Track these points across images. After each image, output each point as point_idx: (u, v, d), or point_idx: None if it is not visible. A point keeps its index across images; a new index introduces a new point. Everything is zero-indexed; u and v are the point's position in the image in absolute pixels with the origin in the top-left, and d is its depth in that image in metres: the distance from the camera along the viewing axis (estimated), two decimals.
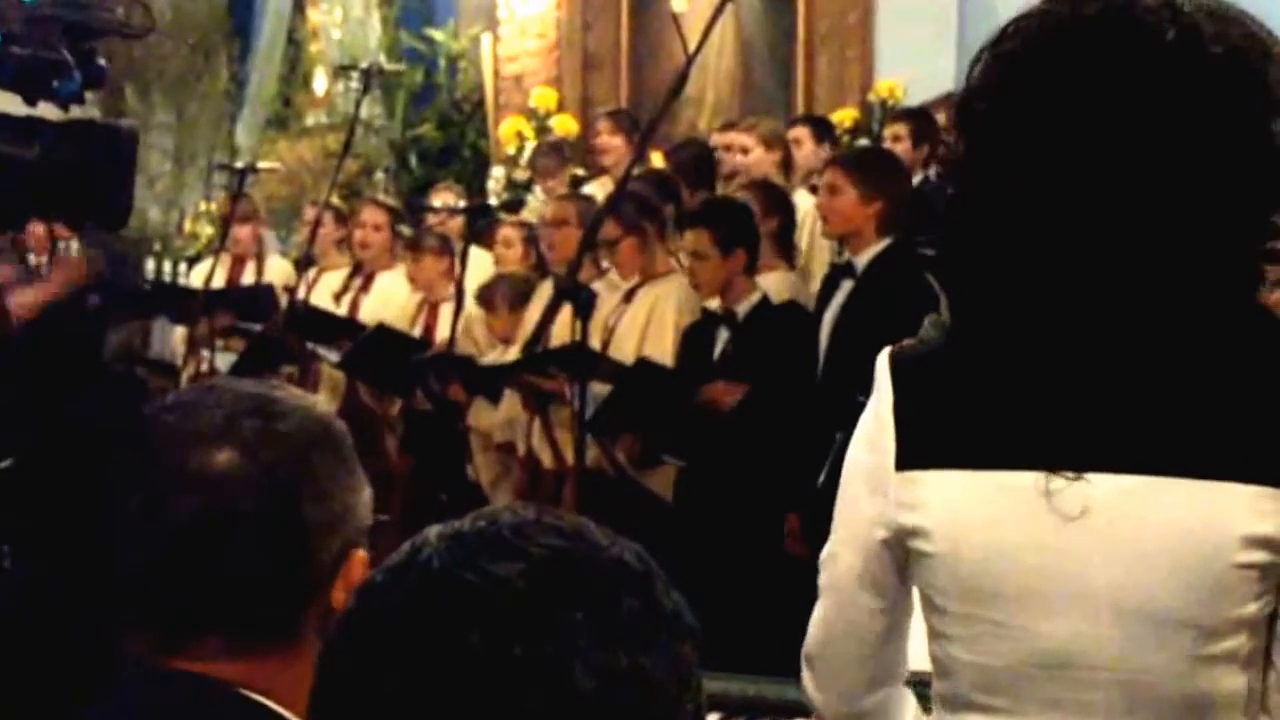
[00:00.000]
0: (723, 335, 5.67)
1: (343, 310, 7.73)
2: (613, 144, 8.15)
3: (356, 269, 7.95)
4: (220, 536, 1.54)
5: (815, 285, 6.11)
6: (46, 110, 2.23)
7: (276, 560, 1.55)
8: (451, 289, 7.01)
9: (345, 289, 7.88)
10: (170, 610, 1.54)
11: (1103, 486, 1.68)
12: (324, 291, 7.87)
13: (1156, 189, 1.66)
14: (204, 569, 1.54)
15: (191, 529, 1.53)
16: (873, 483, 1.80)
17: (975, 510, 1.73)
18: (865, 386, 1.84)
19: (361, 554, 1.59)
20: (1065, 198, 1.68)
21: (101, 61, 2.19)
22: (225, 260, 8.19)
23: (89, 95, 2.26)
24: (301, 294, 7.66)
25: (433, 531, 1.13)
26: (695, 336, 5.79)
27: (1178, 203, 1.67)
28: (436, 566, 1.09)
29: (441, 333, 6.94)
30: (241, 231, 8.15)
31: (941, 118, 7.36)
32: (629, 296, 6.20)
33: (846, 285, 5.49)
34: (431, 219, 8.12)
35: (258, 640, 1.54)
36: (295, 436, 1.58)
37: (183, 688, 1.52)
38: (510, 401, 6.54)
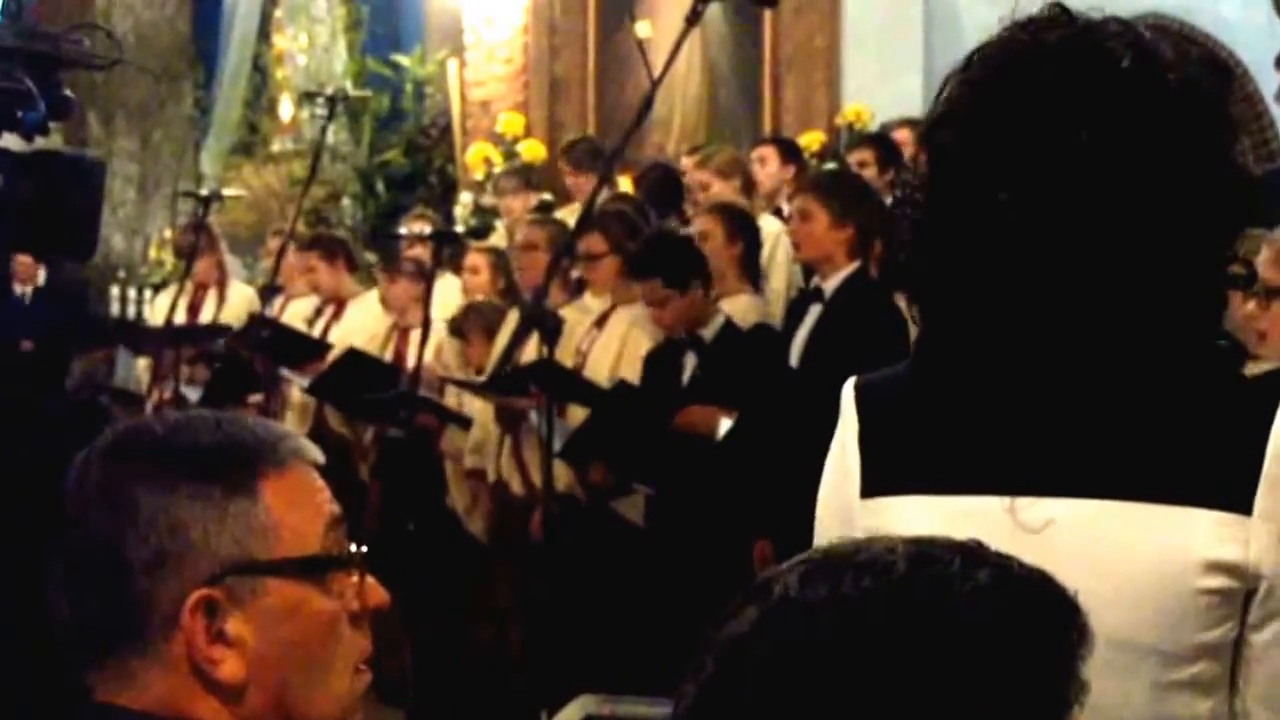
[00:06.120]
0: (690, 360, 5.65)
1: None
2: (578, 183, 8.14)
3: (327, 297, 7.92)
4: (65, 575, 1.52)
5: (774, 308, 6.10)
6: (10, 141, 2.21)
7: (100, 598, 1.49)
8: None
9: (317, 316, 7.85)
10: (67, 646, 1.53)
11: (1065, 511, 1.68)
12: (293, 320, 7.84)
13: (1116, 216, 1.67)
14: (67, 609, 1.52)
15: (53, 571, 1.53)
16: (840, 512, 1.80)
17: (940, 535, 1.73)
18: (836, 409, 1.84)
19: (206, 594, 1.47)
20: (1027, 225, 1.68)
21: (67, 92, 2.18)
22: (188, 289, 8.15)
23: (53, 123, 2.25)
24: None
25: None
26: (659, 362, 5.74)
27: (1137, 229, 1.67)
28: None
29: (413, 359, 6.92)
30: (202, 261, 8.10)
31: (902, 137, 7.38)
32: (601, 321, 6.18)
33: (815, 310, 5.48)
34: (404, 245, 8.10)
35: (135, 671, 1.49)
36: (129, 468, 1.51)
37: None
38: (480, 426, 6.52)
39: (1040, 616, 1.15)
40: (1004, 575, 1.15)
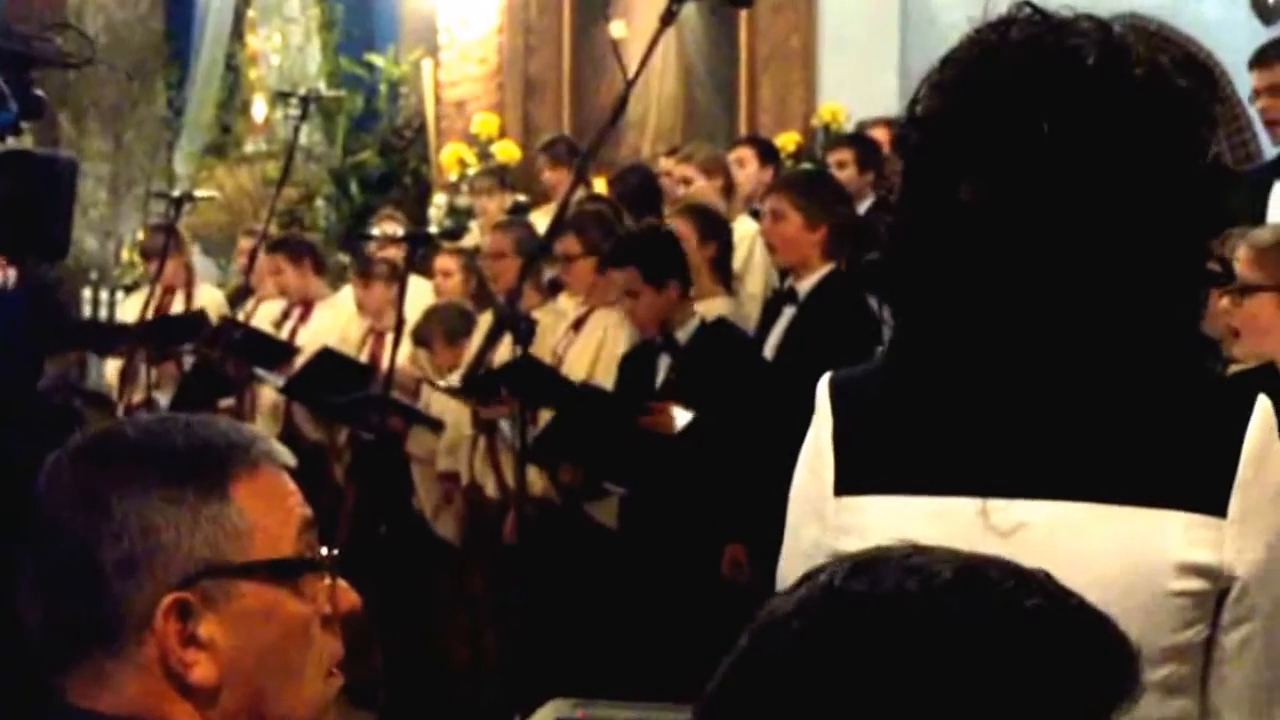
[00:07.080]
0: (664, 362, 5.63)
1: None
2: (558, 178, 8.12)
3: (295, 300, 7.88)
4: (37, 578, 1.51)
5: (748, 309, 6.08)
6: None
7: (73, 601, 1.48)
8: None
9: (284, 318, 7.81)
10: (39, 649, 1.52)
11: (1037, 513, 1.68)
12: (262, 321, 7.80)
13: (1083, 211, 1.66)
14: (39, 612, 1.51)
15: (24, 574, 1.52)
16: (812, 509, 1.80)
17: (912, 536, 1.72)
18: (809, 411, 1.84)
19: (180, 597, 1.46)
20: (993, 223, 1.69)
21: (39, 92, 2.17)
22: (156, 291, 8.08)
23: (24, 123, 2.24)
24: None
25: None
26: (633, 364, 5.72)
27: (1105, 225, 1.67)
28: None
29: (386, 361, 6.89)
30: (169, 263, 8.03)
31: (880, 136, 7.39)
32: (578, 325, 6.16)
33: (789, 312, 5.47)
34: (374, 247, 8.06)
35: (108, 674, 1.48)
36: (101, 470, 1.50)
37: None
38: (453, 428, 6.49)
39: (1088, 653, 1.10)
40: (1057, 605, 1.12)
